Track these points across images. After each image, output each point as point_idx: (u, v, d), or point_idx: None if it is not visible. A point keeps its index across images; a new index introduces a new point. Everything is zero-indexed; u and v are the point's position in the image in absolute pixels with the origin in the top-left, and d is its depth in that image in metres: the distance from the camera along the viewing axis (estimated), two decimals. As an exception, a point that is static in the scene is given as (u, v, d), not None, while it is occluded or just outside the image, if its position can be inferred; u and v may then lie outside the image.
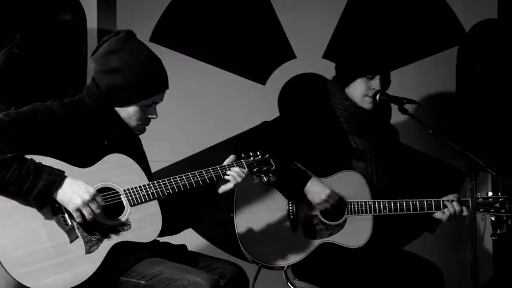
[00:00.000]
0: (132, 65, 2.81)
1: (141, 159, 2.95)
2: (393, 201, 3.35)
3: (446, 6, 4.41)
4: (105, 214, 2.77)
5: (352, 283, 3.33)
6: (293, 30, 4.31)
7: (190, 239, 4.01)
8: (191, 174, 2.88)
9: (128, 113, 2.87)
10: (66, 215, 2.71)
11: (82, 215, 2.67)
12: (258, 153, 3.01)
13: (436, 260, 3.54)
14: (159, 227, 2.82)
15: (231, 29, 4.27)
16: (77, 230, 2.71)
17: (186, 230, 3.25)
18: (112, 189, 2.80)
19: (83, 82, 3.69)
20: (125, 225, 2.77)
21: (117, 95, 2.84)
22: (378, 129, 3.54)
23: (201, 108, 4.23)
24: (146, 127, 2.96)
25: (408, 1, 4.41)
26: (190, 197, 2.97)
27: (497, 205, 3.39)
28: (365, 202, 3.36)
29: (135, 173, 2.86)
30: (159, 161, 4.11)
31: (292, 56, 4.32)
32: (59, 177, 2.65)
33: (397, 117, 3.60)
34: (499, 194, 3.42)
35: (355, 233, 3.34)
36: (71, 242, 2.69)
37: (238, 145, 3.71)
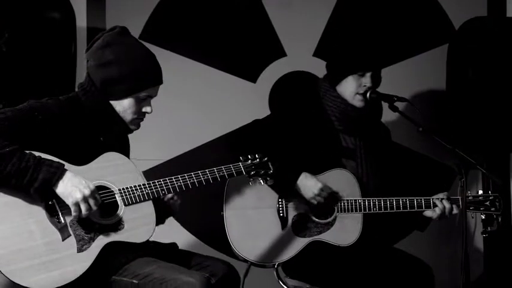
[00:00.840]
0: (127, 57, 2.82)
1: None
2: (383, 200, 3.36)
3: (436, 3, 4.42)
4: (99, 213, 2.76)
5: (343, 281, 3.33)
6: (283, 28, 4.31)
7: (181, 237, 4.02)
8: (187, 175, 2.88)
9: (123, 106, 2.87)
10: (60, 213, 2.70)
11: (79, 209, 2.67)
12: (257, 156, 3.01)
13: (427, 258, 3.55)
14: (153, 227, 2.82)
15: (221, 27, 4.26)
16: (69, 228, 2.70)
17: (177, 228, 3.26)
18: (107, 188, 2.79)
19: (72, 80, 3.69)
20: (118, 225, 2.77)
21: (112, 88, 2.84)
22: (369, 127, 3.54)
23: (192, 106, 4.22)
24: (141, 123, 2.95)
25: (398, -1, 4.43)
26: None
27: (487, 203, 3.40)
28: (355, 200, 3.37)
29: (131, 172, 2.85)
30: (150, 159, 4.11)
31: (282, 54, 4.32)
32: (59, 170, 2.65)
33: (388, 115, 3.61)
34: (489, 192, 3.43)
35: (345, 231, 3.35)
36: (63, 240, 2.69)
37: (229, 144, 3.70)
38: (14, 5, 3.61)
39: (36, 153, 2.66)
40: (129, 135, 3.04)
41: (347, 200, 3.37)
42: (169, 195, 3.03)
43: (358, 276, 3.33)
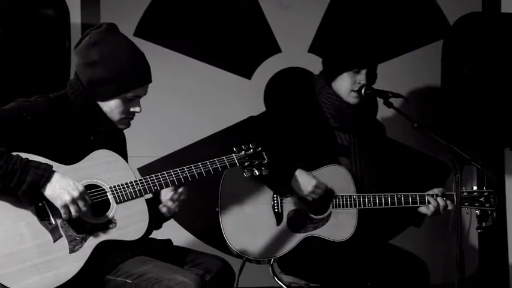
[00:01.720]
0: (112, 58, 2.77)
1: (122, 157, 2.91)
2: (378, 195, 3.36)
3: (431, -1, 4.43)
4: (91, 212, 2.74)
5: (338, 277, 3.34)
6: (278, 23, 4.30)
7: (176, 233, 4.00)
8: (180, 169, 2.85)
9: (110, 107, 2.83)
10: (50, 214, 2.67)
11: (69, 211, 2.65)
12: (251, 146, 2.98)
13: (422, 254, 3.55)
14: (145, 224, 2.79)
15: (216, 23, 4.25)
16: (60, 229, 2.68)
17: (172, 225, 3.25)
18: (98, 186, 2.77)
19: (66, 77, 3.67)
20: (110, 224, 2.74)
21: (98, 89, 2.80)
22: (363, 124, 3.54)
23: (187, 103, 4.22)
24: (131, 122, 2.92)
25: (393, -5, 4.42)
26: None
27: (482, 199, 3.40)
28: (349, 196, 3.37)
29: (122, 169, 2.82)
30: (145, 156, 4.11)
31: (277, 50, 4.32)
32: (46, 172, 2.62)
33: (383, 111, 3.61)
34: (484, 188, 3.44)
35: (340, 226, 3.35)
36: (54, 242, 2.66)
37: (224, 140, 3.70)
38: (8, 2, 3.59)
39: (24, 155, 2.63)
40: (125, 131, 2.99)
41: (342, 196, 3.37)
42: (168, 197, 2.97)
43: (353, 272, 3.33)
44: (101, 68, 2.77)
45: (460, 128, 4.00)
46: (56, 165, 2.68)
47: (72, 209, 2.64)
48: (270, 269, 3.48)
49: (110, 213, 2.75)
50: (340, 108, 3.46)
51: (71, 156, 2.76)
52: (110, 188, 2.77)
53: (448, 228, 4.04)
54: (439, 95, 4.18)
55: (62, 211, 2.64)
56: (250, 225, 3.33)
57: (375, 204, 3.36)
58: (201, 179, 2.89)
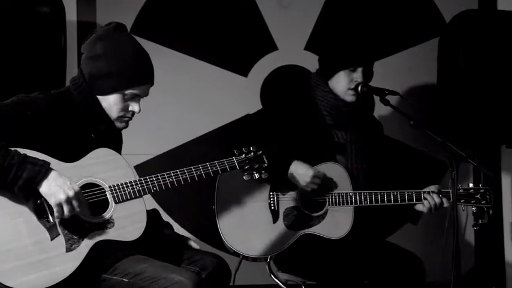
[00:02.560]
0: (115, 53, 2.78)
1: None
2: (374, 193, 3.36)
3: (427, -4, 4.43)
4: (89, 211, 2.73)
5: (334, 274, 3.34)
6: (275, 21, 4.30)
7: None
8: (179, 171, 2.84)
9: (109, 103, 2.83)
10: (48, 212, 2.67)
11: (62, 210, 2.64)
12: (251, 149, 2.98)
13: (418, 251, 3.55)
14: (143, 225, 2.78)
15: (212, 20, 4.25)
16: (58, 227, 2.67)
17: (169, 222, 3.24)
18: (97, 185, 2.76)
19: (62, 74, 3.67)
20: (108, 223, 2.73)
21: (98, 82, 2.80)
22: (360, 122, 3.54)
23: (183, 100, 4.21)
24: (129, 122, 2.91)
25: (389, -8, 4.42)
26: None
27: (478, 196, 3.40)
28: (346, 193, 3.37)
29: (123, 168, 2.81)
30: (141, 154, 4.11)
31: (274, 47, 4.32)
32: (43, 168, 2.61)
33: (379, 109, 3.61)
34: (480, 185, 3.44)
35: (336, 224, 3.35)
36: (51, 240, 2.65)
37: (220, 138, 3.70)
38: (3, -1, 3.60)
39: (23, 151, 2.62)
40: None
41: (338, 193, 3.37)
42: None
43: (349, 270, 3.33)
44: (103, 62, 2.78)
45: (457, 126, 4.00)
46: (56, 163, 2.68)
47: (66, 209, 2.63)
48: (267, 267, 3.48)
49: (108, 213, 2.74)
50: (336, 105, 3.46)
51: (71, 153, 2.75)
52: (109, 187, 2.76)
53: (445, 226, 4.04)
54: (435, 93, 4.18)
55: (55, 209, 2.63)
56: (247, 223, 3.33)
57: (371, 201, 3.36)
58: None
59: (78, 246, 2.67)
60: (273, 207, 3.36)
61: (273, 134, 3.38)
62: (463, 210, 3.45)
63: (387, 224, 4.16)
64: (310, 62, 3.77)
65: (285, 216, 3.36)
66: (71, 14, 3.97)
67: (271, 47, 4.32)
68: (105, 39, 2.81)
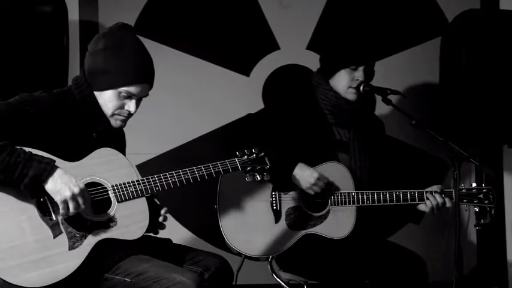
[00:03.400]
0: (114, 49, 2.78)
1: None
2: (376, 193, 3.36)
3: (429, -4, 4.43)
4: (92, 210, 2.74)
5: (336, 274, 3.34)
6: (276, 21, 4.30)
7: (175, 231, 4.02)
8: (182, 171, 2.85)
9: (104, 99, 2.83)
10: (51, 210, 2.67)
11: (67, 207, 2.65)
12: (254, 150, 2.98)
13: (420, 250, 3.55)
14: (146, 224, 2.79)
15: (214, 20, 4.25)
16: (61, 225, 2.68)
17: (171, 223, 3.24)
18: (100, 184, 2.77)
19: (64, 74, 3.68)
20: (110, 222, 2.74)
21: (95, 78, 2.81)
22: (362, 120, 3.54)
23: (184, 100, 4.22)
24: (127, 122, 2.90)
25: (391, -8, 4.42)
26: None
27: (480, 196, 3.40)
28: (348, 193, 3.37)
29: (125, 168, 2.82)
30: (143, 153, 4.11)
31: (276, 47, 4.32)
32: (49, 166, 2.62)
33: (381, 108, 3.61)
34: (483, 184, 3.44)
35: (338, 224, 3.35)
36: (54, 238, 2.66)
37: (222, 138, 3.70)
38: (5, -1, 3.60)
39: (27, 149, 2.63)
40: (124, 128, 2.98)
41: (340, 193, 3.37)
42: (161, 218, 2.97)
43: (351, 269, 3.33)
44: (101, 57, 2.79)
45: (459, 125, 4.00)
46: (58, 162, 2.68)
47: (71, 205, 2.64)
48: (269, 267, 3.48)
49: (111, 212, 2.75)
50: (338, 104, 3.46)
51: (74, 153, 2.76)
52: (112, 186, 2.77)
53: (447, 225, 4.04)
54: (437, 92, 4.18)
55: (60, 206, 2.64)
56: (249, 222, 3.33)
57: (373, 201, 3.36)
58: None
59: (80, 245, 2.68)
60: (275, 207, 3.36)
61: (274, 134, 3.38)
62: (466, 210, 3.44)
63: (389, 224, 4.16)
64: (312, 62, 3.77)
65: (287, 216, 3.36)
66: (73, 14, 3.98)
67: (273, 46, 4.31)
68: (107, 37, 2.82)
